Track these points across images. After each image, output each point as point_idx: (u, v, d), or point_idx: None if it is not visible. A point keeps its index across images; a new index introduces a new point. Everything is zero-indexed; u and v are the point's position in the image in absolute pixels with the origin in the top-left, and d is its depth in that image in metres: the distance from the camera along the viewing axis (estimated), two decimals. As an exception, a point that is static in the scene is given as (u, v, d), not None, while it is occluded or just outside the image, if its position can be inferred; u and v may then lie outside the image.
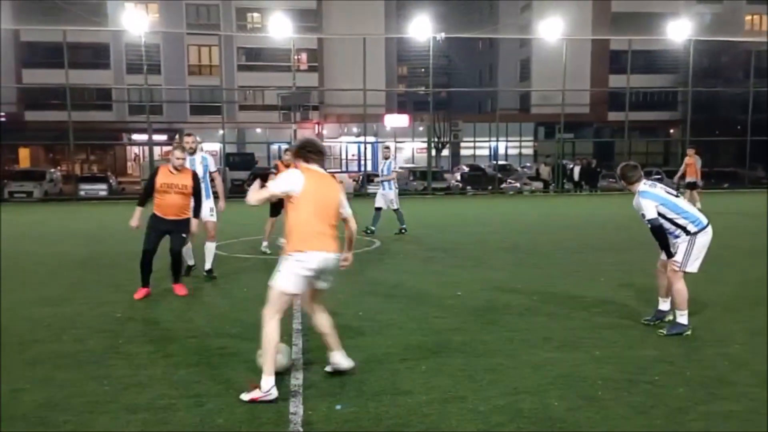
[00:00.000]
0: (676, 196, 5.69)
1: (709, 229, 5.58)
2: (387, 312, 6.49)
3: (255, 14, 41.55)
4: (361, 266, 9.30)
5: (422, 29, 29.11)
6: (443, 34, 29.74)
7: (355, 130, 40.04)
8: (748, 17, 45.95)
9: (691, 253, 5.52)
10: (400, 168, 17.50)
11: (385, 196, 13.16)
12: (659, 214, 5.48)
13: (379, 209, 13.13)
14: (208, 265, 8.27)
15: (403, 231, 12.91)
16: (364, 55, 27.48)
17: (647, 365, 4.77)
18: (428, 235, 12.92)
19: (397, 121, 38.69)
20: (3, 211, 19.20)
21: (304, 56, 40.03)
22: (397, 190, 13.22)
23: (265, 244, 10.39)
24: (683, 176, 16.95)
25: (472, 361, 4.89)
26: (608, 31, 40.12)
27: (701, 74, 34.00)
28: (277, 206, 10.63)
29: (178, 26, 37.83)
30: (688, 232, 5.51)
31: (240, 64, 40.68)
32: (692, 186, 16.56)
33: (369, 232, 12.67)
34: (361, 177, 30.48)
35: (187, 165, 7.50)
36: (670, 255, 5.60)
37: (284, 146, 37.85)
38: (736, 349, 5.18)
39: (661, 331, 5.60)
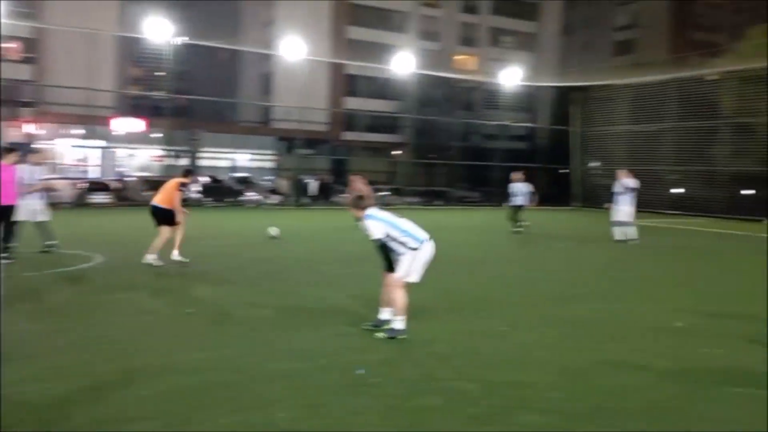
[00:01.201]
0: (399, 218, 6.41)
1: (428, 244, 6.34)
2: (110, 334, 6.04)
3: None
4: (69, 285, 8.51)
5: (161, 31, 27.68)
6: (184, 38, 28.65)
7: (78, 132, 36.19)
8: (459, 57, 53.25)
9: (412, 265, 6.23)
10: (128, 176, 16.22)
11: (28, 206, 10.82)
12: (387, 234, 6.13)
13: (15, 223, 10.29)
14: None
15: (50, 248, 11.05)
16: (96, 50, 25.16)
17: (370, 369, 5.23)
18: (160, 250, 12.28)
19: (127, 125, 35.99)
20: None
21: (17, 45, 35.02)
22: (45, 201, 11.41)
23: (175, 253, 10.18)
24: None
25: (207, 379, 4.83)
26: (345, 55, 42.85)
27: (422, 103, 38.36)
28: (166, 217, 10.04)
29: None
30: (410, 248, 6.22)
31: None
32: None
33: (5, 255, 9.78)
34: (84, 185, 27.67)
35: None
36: (390, 270, 6.28)
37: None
38: (440, 347, 5.97)
39: (380, 335, 6.19)
